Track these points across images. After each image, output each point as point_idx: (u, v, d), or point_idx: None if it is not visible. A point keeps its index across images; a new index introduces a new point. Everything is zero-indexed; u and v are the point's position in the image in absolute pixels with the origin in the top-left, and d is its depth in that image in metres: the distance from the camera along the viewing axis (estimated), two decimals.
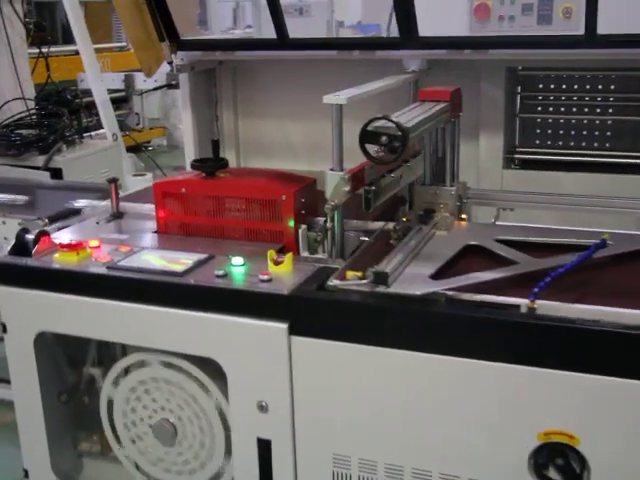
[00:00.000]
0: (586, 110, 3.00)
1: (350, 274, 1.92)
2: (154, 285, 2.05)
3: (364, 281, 1.84)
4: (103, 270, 2.12)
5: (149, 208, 2.60)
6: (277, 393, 1.98)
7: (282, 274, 2.03)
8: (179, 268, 2.09)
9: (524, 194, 2.49)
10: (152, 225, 2.48)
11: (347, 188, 2.10)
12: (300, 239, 2.26)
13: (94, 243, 2.28)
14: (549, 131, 3.06)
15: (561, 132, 3.07)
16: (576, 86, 2.96)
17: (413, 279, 1.86)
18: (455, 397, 1.79)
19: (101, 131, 5.96)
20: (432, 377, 1.80)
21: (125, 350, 2.33)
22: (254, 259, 2.13)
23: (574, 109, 3.02)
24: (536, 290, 1.76)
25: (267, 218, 2.27)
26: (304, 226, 2.27)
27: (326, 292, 1.90)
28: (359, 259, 2.06)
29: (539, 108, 3.04)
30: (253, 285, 1.97)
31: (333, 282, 1.89)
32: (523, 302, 1.79)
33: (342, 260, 2.13)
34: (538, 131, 3.07)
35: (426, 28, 2.81)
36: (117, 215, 2.60)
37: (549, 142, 3.07)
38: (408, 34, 2.60)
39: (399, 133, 1.83)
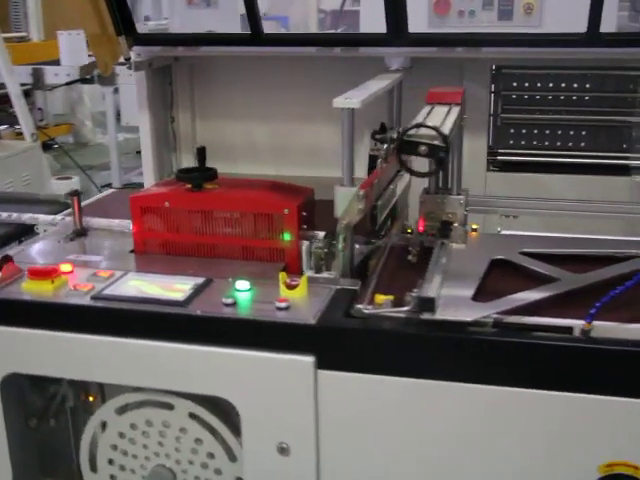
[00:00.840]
0: (569, 110, 2.91)
1: (381, 298, 1.72)
2: (152, 317, 1.78)
3: (405, 308, 1.64)
4: (87, 301, 1.83)
5: (118, 224, 2.32)
6: (300, 433, 1.76)
7: (297, 299, 1.81)
8: (178, 296, 1.83)
9: (526, 200, 2.36)
10: (124, 243, 2.20)
11: (361, 206, 1.90)
12: (304, 257, 2.05)
13: (66, 267, 1.99)
14: (533, 132, 2.96)
15: (545, 132, 2.98)
16: (563, 84, 2.87)
17: (455, 303, 1.68)
18: (513, 430, 1.62)
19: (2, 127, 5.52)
20: (488, 410, 1.63)
21: (102, 389, 2.05)
22: (259, 282, 1.90)
23: (556, 109, 2.93)
24: (593, 311, 1.62)
25: (266, 234, 2.04)
26: (307, 242, 2.06)
27: (359, 320, 1.70)
28: (380, 280, 1.87)
29: (521, 108, 2.93)
30: (270, 314, 1.74)
31: (366, 309, 1.69)
32: (576, 324, 1.65)
33: (355, 280, 1.93)
34: (521, 132, 2.97)
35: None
36: (81, 232, 2.31)
37: (531, 143, 2.97)
38: (397, 31, 2.41)
39: (438, 142, 1.64)
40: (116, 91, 6.60)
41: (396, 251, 2.07)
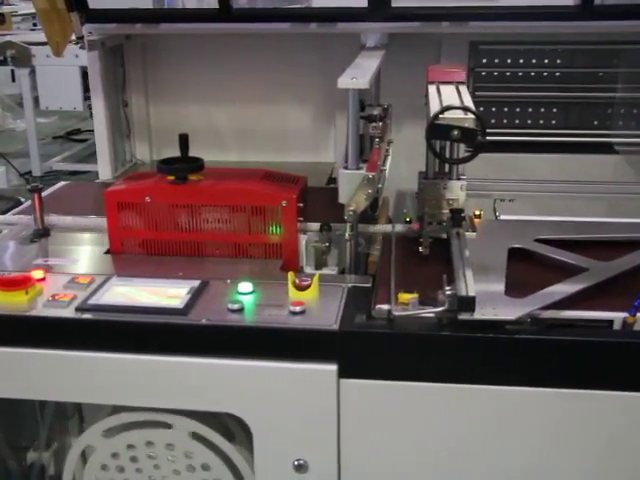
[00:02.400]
0: (544, 87, 2.82)
1: (406, 297, 1.57)
2: (150, 329, 1.58)
3: (440, 308, 1.50)
4: (72, 312, 1.61)
5: (85, 221, 2.09)
6: (320, 449, 1.60)
7: (310, 301, 1.64)
8: (176, 303, 1.63)
9: (523, 183, 2.25)
10: (95, 243, 1.98)
11: (372, 189, 1.74)
12: (304, 253, 1.88)
13: (38, 274, 1.75)
14: (505, 110, 2.85)
15: (516, 110, 2.88)
16: (534, 60, 2.77)
17: (490, 300, 1.54)
18: (570, 434, 1.51)
19: None
20: (539, 413, 1.51)
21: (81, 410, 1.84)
22: (261, 283, 1.72)
23: (531, 86, 2.83)
24: (638, 303, 1.52)
25: (261, 229, 1.86)
26: (305, 236, 1.89)
27: (386, 323, 1.54)
28: (397, 277, 1.72)
29: (493, 85, 2.83)
30: (285, 320, 1.57)
31: (394, 310, 1.53)
32: (617, 316, 1.55)
33: (366, 277, 1.77)
34: (493, 110, 2.86)
35: None
36: (42, 232, 2.06)
37: (503, 122, 2.87)
38: (379, 4, 2.25)
39: (473, 126, 1.49)
40: (32, 72, 6.17)
41: (401, 242, 1.92)
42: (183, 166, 1.88)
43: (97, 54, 2.50)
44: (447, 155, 1.84)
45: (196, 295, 1.67)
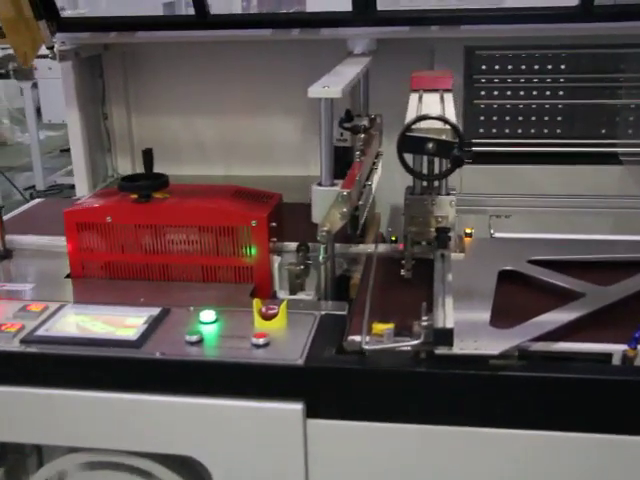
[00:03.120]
0: (544, 94, 2.66)
1: (380, 328, 1.42)
2: (98, 363, 1.44)
3: (415, 341, 1.34)
4: (16, 345, 1.48)
5: (49, 242, 1.96)
6: None
7: (276, 332, 1.50)
8: (130, 334, 1.49)
9: (519, 197, 2.09)
10: (58, 266, 1.84)
11: (346, 208, 1.60)
12: (276, 276, 1.73)
13: None
14: (505, 119, 2.69)
15: (518, 119, 2.71)
16: (537, 66, 2.61)
17: (472, 331, 1.39)
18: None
19: None
20: (525, 458, 1.35)
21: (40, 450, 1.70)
22: (226, 311, 1.58)
23: (531, 93, 2.67)
24: (638, 335, 1.36)
25: (230, 251, 1.72)
26: (278, 258, 1.75)
27: (356, 357, 1.39)
28: (373, 304, 1.57)
29: (495, 93, 2.67)
30: (247, 354, 1.42)
31: (365, 343, 1.38)
32: (616, 349, 1.38)
33: (341, 303, 1.63)
34: (492, 119, 2.70)
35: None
36: (3, 254, 1.93)
37: (504, 131, 2.70)
38: (363, 8, 2.11)
39: (447, 137, 1.34)
40: (35, 86, 6.09)
41: (383, 264, 1.77)
42: (146, 183, 1.74)
43: (71, 65, 2.38)
44: (436, 170, 1.70)
45: (154, 325, 1.53)
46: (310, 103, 2.65)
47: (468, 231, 1.89)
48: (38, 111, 6.45)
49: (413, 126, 1.37)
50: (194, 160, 2.68)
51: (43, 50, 2.29)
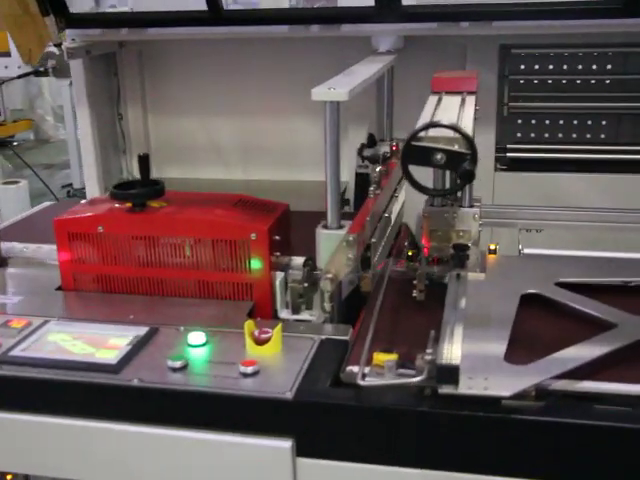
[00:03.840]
0: (587, 96, 2.47)
1: (381, 359, 1.27)
2: (72, 390, 1.32)
3: (417, 378, 1.19)
4: None
5: (46, 251, 1.85)
6: None
7: (269, 359, 1.36)
8: (110, 357, 1.37)
9: (553, 210, 1.91)
10: (51, 277, 1.73)
11: (352, 254, 1.45)
12: (278, 294, 1.59)
13: None
14: (545, 123, 2.51)
15: (559, 123, 2.52)
16: (580, 66, 2.42)
17: (483, 366, 1.23)
18: None
19: None
20: None
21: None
22: (219, 332, 1.45)
23: (573, 95, 2.48)
24: None
25: (228, 266, 1.58)
26: (281, 274, 1.60)
27: (351, 393, 1.24)
28: (378, 327, 1.42)
29: (530, 95, 2.48)
30: (233, 383, 1.29)
31: (362, 375, 1.23)
32: None
33: (346, 327, 1.48)
34: (531, 123, 2.52)
35: None
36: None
37: (543, 137, 2.52)
38: (387, 3, 1.95)
39: (461, 148, 1.18)
40: (72, 84, 6.06)
41: (396, 284, 1.62)
42: (139, 191, 1.62)
43: (81, 63, 2.27)
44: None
45: (138, 346, 1.40)
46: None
47: (492, 247, 1.73)
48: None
49: (422, 134, 1.21)
50: (211, 163, 2.56)
51: None
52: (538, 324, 1.42)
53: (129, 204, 1.63)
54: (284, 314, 1.59)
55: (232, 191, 2.52)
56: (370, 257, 1.62)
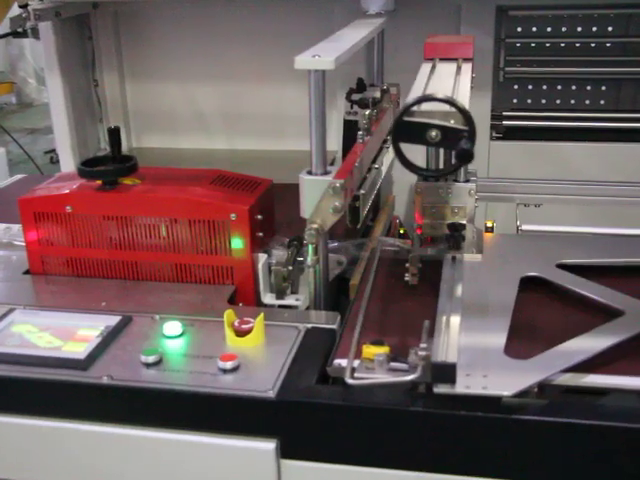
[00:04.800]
0: (599, 60, 2.34)
1: (371, 352, 1.17)
2: (37, 388, 1.22)
3: (410, 376, 1.09)
4: None
5: (15, 231, 1.74)
6: None
7: (250, 352, 1.26)
8: (79, 350, 1.27)
9: (553, 184, 1.79)
10: (20, 260, 1.62)
11: (339, 202, 1.34)
12: (261, 277, 1.49)
13: None
14: (542, 88, 2.39)
15: (557, 89, 2.40)
16: (580, 28, 2.30)
17: (482, 361, 1.13)
18: None
19: None
20: None
21: None
22: (197, 321, 1.35)
23: (572, 59, 2.36)
24: None
25: (207, 248, 1.47)
26: (264, 256, 1.50)
27: (338, 390, 1.15)
28: (368, 315, 1.32)
29: (531, 59, 2.36)
30: (211, 380, 1.19)
31: (351, 377, 1.13)
32: None
33: (333, 314, 1.38)
34: (528, 89, 2.40)
35: None
36: None
37: (540, 103, 2.41)
38: None
39: (457, 124, 1.06)
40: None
41: (386, 266, 1.52)
42: (109, 168, 1.50)
43: (50, 25, 2.13)
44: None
45: (109, 338, 1.30)
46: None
47: (489, 224, 1.63)
48: None
49: (414, 108, 1.10)
50: (193, 132, 2.44)
51: None
52: (539, 311, 1.32)
53: (99, 182, 1.52)
54: (268, 299, 1.49)
55: (215, 161, 2.42)
56: (359, 208, 1.51)
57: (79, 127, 2.32)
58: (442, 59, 1.50)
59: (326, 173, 1.38)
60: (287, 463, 1.17)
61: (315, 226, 1.35)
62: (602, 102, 2.44)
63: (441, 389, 1.08)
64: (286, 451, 1.16)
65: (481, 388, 1.07)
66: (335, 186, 1.33)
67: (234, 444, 1.17)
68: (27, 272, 1.57)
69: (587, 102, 2.45)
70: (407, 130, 1.07)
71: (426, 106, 1.11)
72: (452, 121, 1.10)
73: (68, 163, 2.27)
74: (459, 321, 1.18)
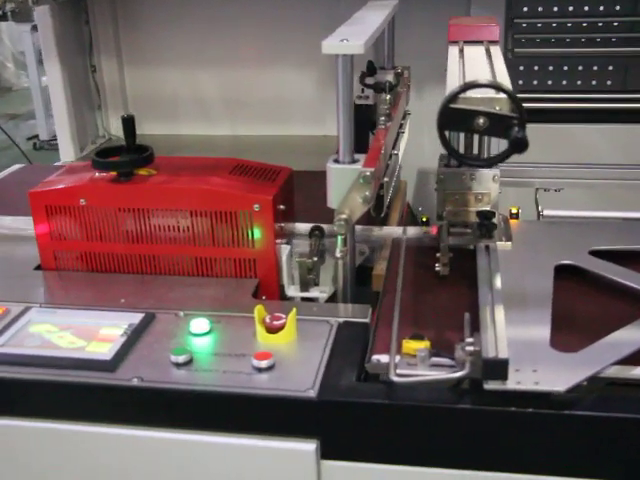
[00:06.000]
0: (607, 38, 2.31)
1: (412, 347, 1.13)
2: (63, 391, 1.17)
3: (460, 373, 1.05)
4: None
5: (21, 224, 1.68)
6: None
7: (283, 349, 1.21)
8: (103, 351, 1.21)
9: (571, 167, 1.77)
10: (29, 254, 1.55)
11: (369, 191, 1.29)
12: (285, 270, 1.44)
13: None
14: (548, 69, 2.36)
15: (564, 69, 2.37)
16: (602, 7, 2.27)
17: (530, 355, 1.09)
18: None
19: None
20: None
21: None
22: (223, 317, 1.30)
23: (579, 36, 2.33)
24: None
25: (229, 241, 1.42)
26: (287, 247, 1.45)
27: (382, 388, 1.10)
28: (402, 311, 1.27)
29: (542, 38, 2.33)
30: (246, 381, 1.14)
31: (396, 374, 1.09)
32: None
33: (364, 306, 1.33)
34: (534, 70, 2.37)
35: None
36: None
37: (546, 84, 2.37)
38: None
39: (507, 112, 1.02)
40: (35, 29, 5.74)
41: (412, 255, 1.47)
42: (126, 159, 1.44)
43: (48, 9, 2.06)
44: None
45: (134, 337, 1.25)
46: (327, 54, 2.34)
47: (514, 211, 1.59)
48: (41, 55, 6.09)
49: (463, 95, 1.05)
50: (195, 118, 2.38)
51: None
52: (578, 301, 1.29)
53: (113, 173, 1.46)
54: (292, 291, 1.44)
55: (217, 148, 2.37)
56: (383, 196, 1.47)
57: (77, 114, 2.25)
58: (467, 42, 1.45)
59: (354, 161, 1.33)
60: (327, 464, 1.13)
61: (344, 216, 1.30)
62: (609, 82, 2.42)
63: (491, 385, 1.04)
64: (326, 451, 1.12)
65: (533, 384, 1.03)
66: (366, 175, 1.28)
67: (272, 445, 1.12)
68: (38, 268, 1.51)
69: (594, 82, 2.42)
70: (453, 117, 1.02)
71: (469, 92, 1.06)
72: (497, 107, 1.05)
73: (68, 151, 2.20)
74: (503, 314, 1.14)
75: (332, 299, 1.42)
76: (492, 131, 1.01)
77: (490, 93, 1.06)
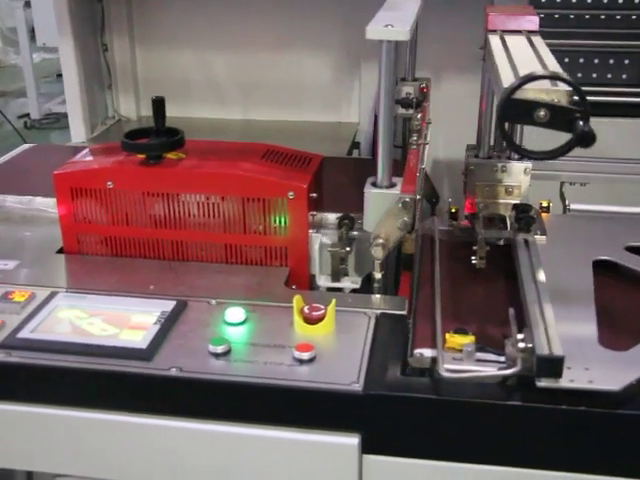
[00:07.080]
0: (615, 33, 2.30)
1: (456, 341, 1.11)
2: (98, 380, 1.13)
3: (512, 370, 1.04)
4: None
5: (39, 204, 1.63)
6: None
7: (322, 340, 1.19)
8: (137, 339, 1.18)
9: (596, 161, 1.74)
10: (49, 237, 1.51)
11: (407, 217, 1.27)
12: (317, 259, 1.41)
13: None
14: (564, 61, 2.34)
15: (579, 62, 2.36)
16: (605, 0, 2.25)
17: (581, 352, 1.08)
18: None
19: None
20: None
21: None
22: (257, 306, 1.27)
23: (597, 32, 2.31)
24: None
25: (260, 228, 1.39)
26: (319, 236, 1.42)
27: (428, 383, 1.08)
28: (443, 304, 1.25)
29: (552, 31, 2.30)
30: (287, 372, 1.11)
31: (444, 369, 1.06)
32: None
33: (400, 298, 1.31)
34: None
35: None
36: None
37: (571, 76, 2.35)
38: None
39: (566, 104, 0.99)
40: (28, 5, 5.64)
41: (447, 248, 1.45)
42: (157, 142, 1.41)
43: None
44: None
45: (167, 325, 1.22)
46: (343, 37, 2.30)
47: (545, 204, 1.57)
48: (32, 32, 5.99)
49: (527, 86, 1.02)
50: (207, 101, 2.34)
51: None
52: (619, 297, 1.27)
53: (142, 156, 1.42)
54: (323, 281, 1.42)
55: (230, 132, 2.33)
56: (415, 216, 1.45)
57: (88, 93, 2.20)
58: (505, 32, 1.42)
59: (392, 185, 1.30)
60: (370, 458, 1.11)
61: (381, 241, 1.27)
62: (624, 76, 2.40)
63: (544, 383, 1.02)
64: (369, 446, 1.10)
65: (587, 382, 1.02)
66: (405, 201, 1.26)
67: (314, 439, 1.10)
68: (60, 251, 1.47)
69: (609, 76, 2.40)
70: (514, 110, 0.99)
71: (528, 85, 1.04)
72: (555, 99, 1.03)
73: (79, 130, 2.16)
74: (551, 311, 1.12)
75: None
76: (554, 124, 0.99)
77: (547, 85, 1.03)
